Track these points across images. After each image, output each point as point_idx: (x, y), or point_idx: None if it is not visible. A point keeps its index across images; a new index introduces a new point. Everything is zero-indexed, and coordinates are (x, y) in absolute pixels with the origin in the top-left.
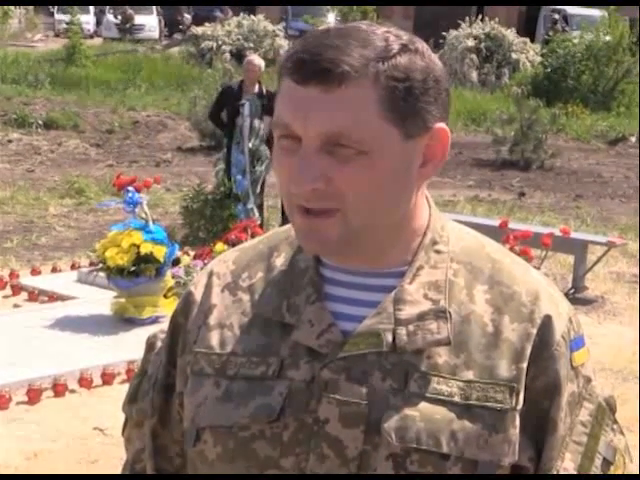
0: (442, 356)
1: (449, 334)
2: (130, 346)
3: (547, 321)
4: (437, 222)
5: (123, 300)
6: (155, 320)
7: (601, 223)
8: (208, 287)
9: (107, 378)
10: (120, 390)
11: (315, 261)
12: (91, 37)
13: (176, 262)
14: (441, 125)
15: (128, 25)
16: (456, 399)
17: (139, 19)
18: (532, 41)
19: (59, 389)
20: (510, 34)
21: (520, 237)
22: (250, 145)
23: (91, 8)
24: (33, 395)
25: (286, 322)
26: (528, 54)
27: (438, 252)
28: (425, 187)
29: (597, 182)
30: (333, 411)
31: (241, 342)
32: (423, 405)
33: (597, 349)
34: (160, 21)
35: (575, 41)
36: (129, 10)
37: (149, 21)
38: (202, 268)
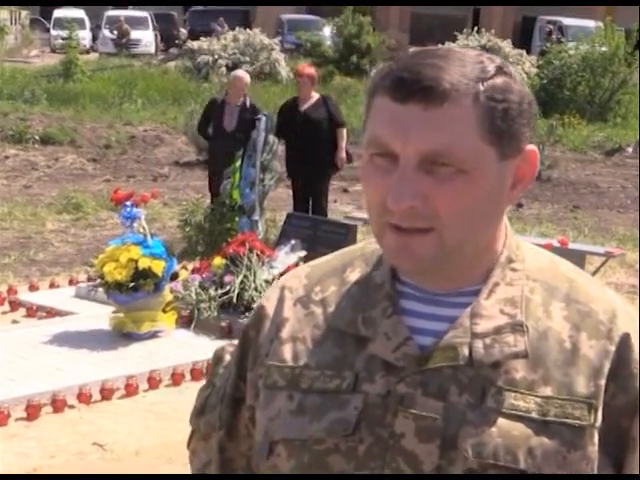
0: (519, 371)
1: (526, 347)
2: (129, 361)
3: (626, 339)
4: (512, 241)
5: (121, 315)
6: (154, 335)
7: (599, 234)
8: (280, 301)
9: (106, 393)
10: (119, 405)
11: (391, 277)
12: (87, 52)
13: (174, 276)
14: (532, 147)
15: (124, 40)
16: (534, 415)
17: (135, 34)
18: (528, 52)
19: (58, 405)
20: (506, 46)
21: None
22: (262, 159)
23: (87, 24)
24: (32, 411)
25: (361, 335)
26: (524, 65)
27: (514, 270)
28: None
29: (594, 193)
30: (409, 425)
31: (314, 355)
32: (500, 421)
33: None
34: (156, 36)
35: (571, 52)
36: (125, 25)
37: (145, 36)
38: (200, 282)
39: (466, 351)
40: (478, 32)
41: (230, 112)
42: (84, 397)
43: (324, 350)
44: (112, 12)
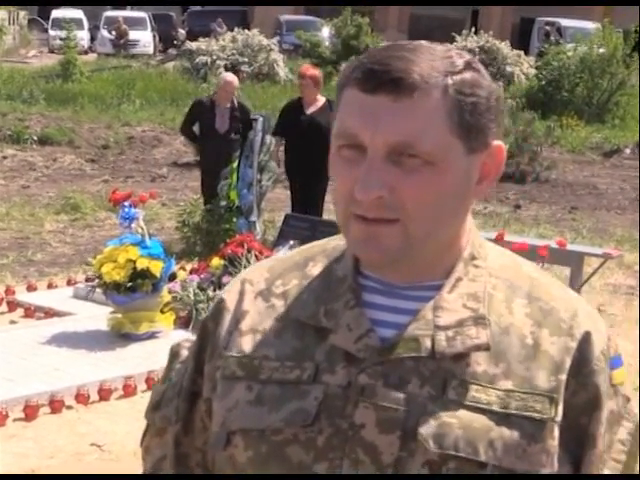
0: (481, 365)
1: (488, 339)
2: (127, 362)
3: (587, 337)
4: (476, 239)
5: (119, 316)
6: (152, 335)
7: (597, 235)
8: (241, 294)
9: (104, 394)
10: (117, 406)
11: (354, 270)
12: (86, 53)
13: (173, 277)
14: (499, 143)
15: (122, 41)
16: (495, 408)
17: (133, 34)
18: (526, 54)
19: (56, 405)
20: (504, 47)
21: (517, 249)
22: (259, 159)
23: (85, 24)
24: (30, 412)
25: (323, 326)
26: (522, 67)
27: (476, 267)
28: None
29: (592, 194)
30: (370, 416)
31: (274, 346)
32: (461, 412)
33: None
34: (154, 36)
35: (569, 53)
36: (123, 26)
37: (143, 36)
38: (198, 283)
39: (428, 343)
40: (476, 33)
41: (221, 114)
42: (82, 398)
43: (284, 342)
44: (110, 12)
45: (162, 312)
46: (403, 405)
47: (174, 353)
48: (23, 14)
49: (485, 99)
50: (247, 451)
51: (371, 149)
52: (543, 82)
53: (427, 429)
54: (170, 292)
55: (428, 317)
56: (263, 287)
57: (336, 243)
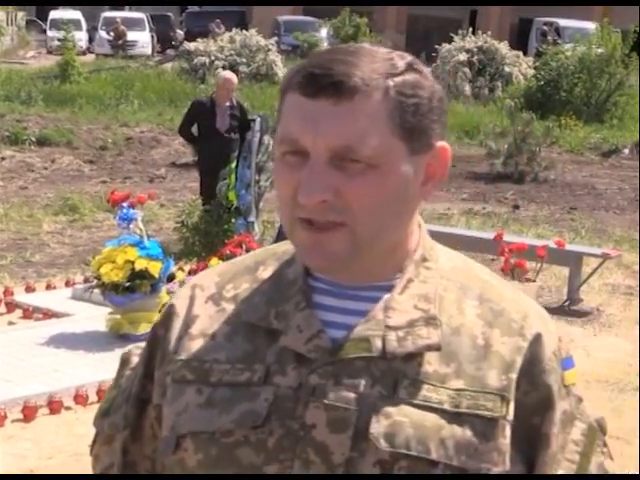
0: (432, 364)
1: (439, 340)
2: None
3: (538, 337)
4: (427, 241)
5: (118, 316)
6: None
7: (596, 235)
8: (191, 299)
9: (103, 395)
10: None
11: (304, 273)
12: (84, 54)
13: (171, 278)
14: (443, 143)
15: (120, 41)
16: (446, 407)
17: (131, 35)
18: (525, 54)
19: (54, 406)
20: (503, 47)
21: (515, 250)
22: (257, 160)
23: (84, 25)
24: (28, 412)
25: (274, 328)
26: (521, 67)
27: (427, 268)
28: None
29: (591, 194)
30: (320, 416)
31: (225, 350)
32: (412, 411)
33: (593, 361)
34: (153, 37)
35: (568, 54)
36: (121, 26)
37: (142, 37)
38: None
39: (379, 343)
40: (474, 33)
41: (221, 113)
42: (81, 398)
43: (235, 345)
44: (108, 13)
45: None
46: (354, 405)
47: (124, 360)
48: (21, 15)
49: (427, 100)
50: (197, 454)
51: (313, 154)
52: (542, 82)
53: (378, 428)
54: (169, 293)
55: (379, 317)
56: (214, 291)
57: (287, 247)
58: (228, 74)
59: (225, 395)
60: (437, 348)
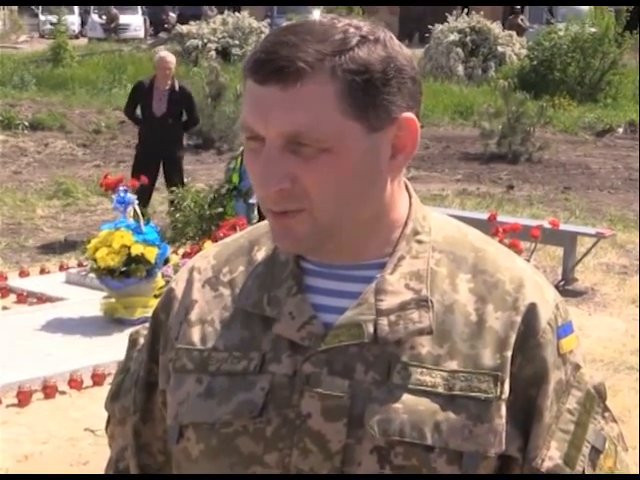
0: (425, 346)
1: (431, 323)
2: (120, 346)
3: (532, 308)
4: (418, 212)
5: (113, 300)
6: (146, 321)
7: (590, 215)
8: (189, 283)
9: (97, 379)
10: None
11: (296, 254)
12: (76, 37)
13: (165, 261)
14: (408, 115)
15: (113, 25)
16: (440, 390)
17: (124, 19)
18: (518, 34)
19: (49, 391)
20: (495, 27)
21: (509, 230)
22: None
23: (76, 8)
24: (23, 397)
25: (267, 315)
26: (514, 47)
27: (420, 242)
28: (403, 177)
29: (585, 174)
30: (315, 405)
31: (222, 337)
32: (406, 397)
33: (587, 341)
34: (145, 20)
35: (561, 33)
36: (114, 10)
37: (134, 20)
38: None
39: (371, 328)
40: (468, 14)
41: (159, 97)
42: (75, 383)
43: (232, 332)
44: None
45: (156, 297)
46: (348, 392)
47: (132, 341)
48: None
49: (381, 73)
50: (199, 444)
51: (267, 140)
52: (535, 62)
53: (372, 416)
54: (163, 276)
55: (370, 301)
56: (210, 275)
57: None
58: (163, 53)
59: (223, 384)
60: (429, 332)
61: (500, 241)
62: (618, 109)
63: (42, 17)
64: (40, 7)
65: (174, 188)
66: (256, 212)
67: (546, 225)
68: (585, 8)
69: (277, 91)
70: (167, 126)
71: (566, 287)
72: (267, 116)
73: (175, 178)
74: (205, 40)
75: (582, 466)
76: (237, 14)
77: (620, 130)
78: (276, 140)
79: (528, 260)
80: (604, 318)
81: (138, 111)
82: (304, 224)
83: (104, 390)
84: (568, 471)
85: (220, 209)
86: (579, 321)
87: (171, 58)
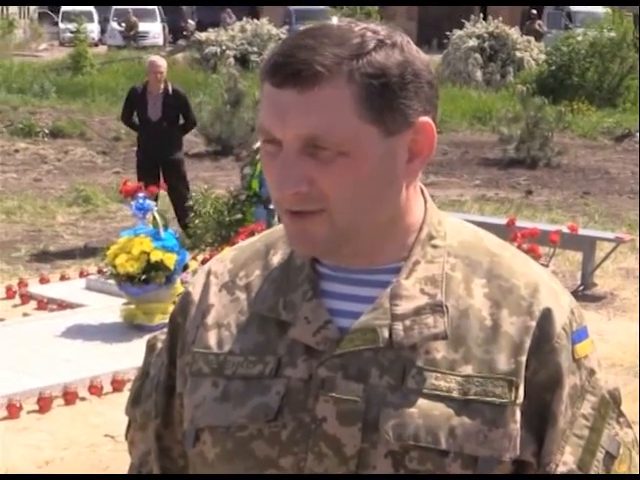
0: (440, 351)
1: (446, 328)
2: (140, 353)
3: (547, 314)
4: (434, 217)
5: (133, 307)
6: (164, 327)
7: (609, 219)
8: (206, 287)
9: (117, 385)
10: None
11: (311, 258)
12: (96, 45)
13: (184, 268)
14: (424, 119)
15: (132, 32)
16: (454, 394)
17: (143, 26)
18: (536, 40)
19: (69, 397)
20: (514, 32)
21: (528, 235)
22: None
23: (95, 16)
24: (44, 404)
25: (283, 320)
26: (532, 52)
27: (435, 247)
28: (419, 182)
29: (604, 179)
30: (330, 409)
31: (238, 341)
32: (421, 401)
33: (607, 345)
34: (164, 27)
35: (579, 38)
36: (133, 18)
37: (153, 28)
38: None
39: (386, 333)
40: (485, 19)
41: (153, 101)
42: (95, 389)
43: (248, 336)
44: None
45: (174, 304)
46: (362, 397)
47: (150, 346)
48: (34, 8)
49: (398, 77)
50: (215, 448)
51: (285, 143)
52: (553, 67)
53: (387, 420)
54: (182, 283)
55: (385, 305)
56: (227, 279)
57: None
58: (153, 57)
59: (239, 388)
60: (443, 337)
61: (519, 246)
62: (637, 114)
63: (62, 25)
64: (60, 15)
65: (192, 193)
66: (277, 218)
67: (565, 230)
68: (603, 12)
69: (294, 94)
70: (163, 130)
71: (585, 292)
72: (284, 119)
73: (176, 182)
74: (224, 47)
75: (596, 472)
76: (256, 21)
77: (639, 135)
78: (293, 143)
79: (547, 265)
80: (623, 323)
81: (135, 118)
82: (321, 226)
83: (124, 396)
84: None
85: (239, 215)
86: (598, 326)
87: (162, 62)
